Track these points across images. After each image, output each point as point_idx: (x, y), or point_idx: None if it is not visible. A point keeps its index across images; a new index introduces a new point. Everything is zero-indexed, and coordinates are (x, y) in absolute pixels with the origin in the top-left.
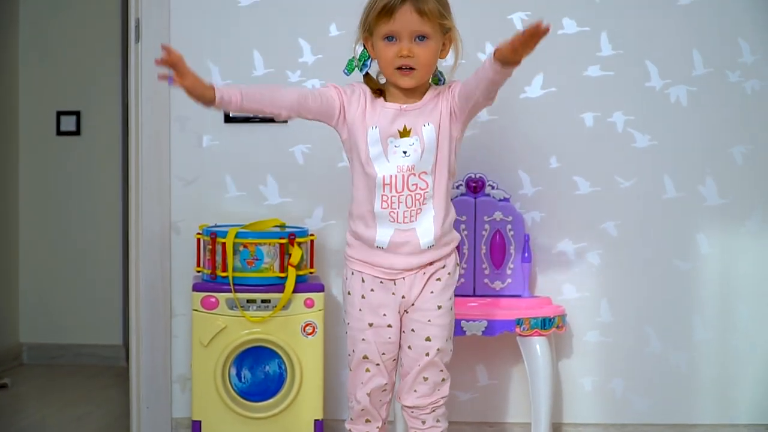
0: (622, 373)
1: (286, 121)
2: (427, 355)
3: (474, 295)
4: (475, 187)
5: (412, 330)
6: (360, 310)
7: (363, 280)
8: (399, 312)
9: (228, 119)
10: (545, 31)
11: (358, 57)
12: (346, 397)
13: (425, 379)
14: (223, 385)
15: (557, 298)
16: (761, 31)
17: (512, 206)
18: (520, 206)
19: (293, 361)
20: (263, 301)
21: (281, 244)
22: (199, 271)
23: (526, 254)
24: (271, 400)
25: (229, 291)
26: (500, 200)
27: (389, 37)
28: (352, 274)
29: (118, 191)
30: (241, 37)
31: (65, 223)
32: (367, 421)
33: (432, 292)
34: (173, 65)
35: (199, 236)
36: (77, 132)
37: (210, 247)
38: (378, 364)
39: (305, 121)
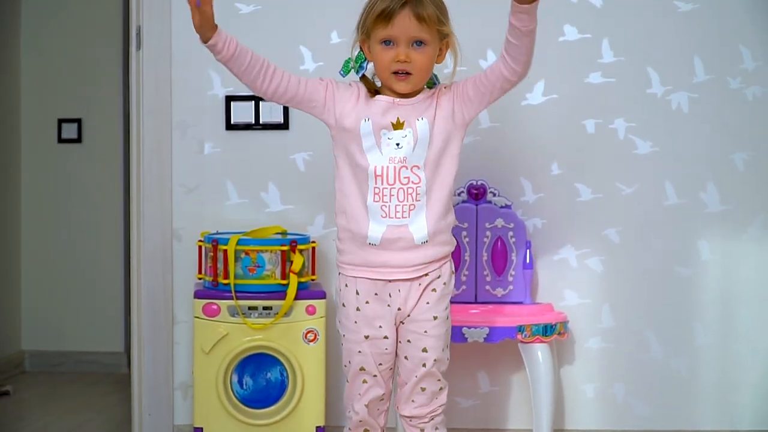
0: (624, 379)
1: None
2: (424, 365)
3: (475, 302)
4: (476, 194)
5: (408, 341)
6: (355, 322)
7: (357, 293)
8: (395, 323)
9: (229, 126)
10: None
11: (354, 59)
12: (344, 406)
13: (423, 389)
14: (225, 392)
15: (559, 305)
16: (762, 38)
17: (514, 213)
18: (521, 213)
19: (295, 368)
20: (265, 308)
21: (283, 251)
22: (200, 278)
23: (528, 261)
24: (272, 407)
25: (231, 298)
26: (502, 207)
27: (386, 42)
28: (346, 285)
29: (120, 198)
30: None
31: (67, 230)
32: (366, 431)
33: (428, 303)
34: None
35: (200, 243)
36: (78, 139)
37: (211, 254)
38: (375, 375)
39: (307, 128)
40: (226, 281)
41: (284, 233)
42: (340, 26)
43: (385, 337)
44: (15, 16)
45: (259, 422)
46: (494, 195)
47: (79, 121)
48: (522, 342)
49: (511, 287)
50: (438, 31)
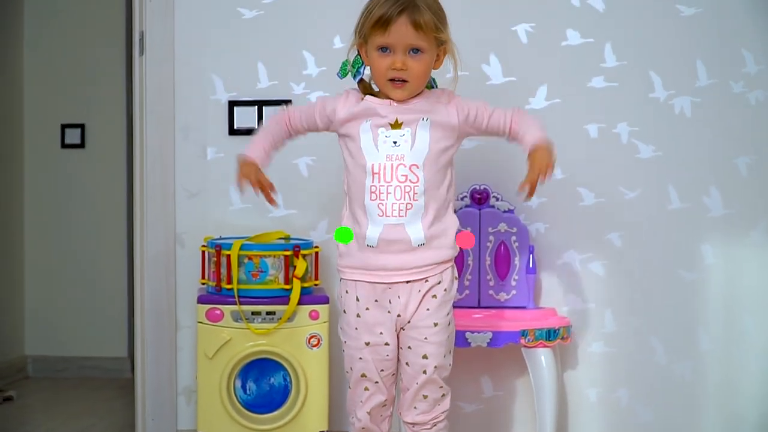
0: (627, 384)
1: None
2: (425, 372)
3: (479, 307)
4: (479, 198)
5: (409, 347)
6: (356, 329)
7: (358, 299)
8: (395, 330)
9: (232, 131)
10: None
11: (352, 63)
12: (347, 411)
13: (425, 396)
14: (228, 398)
15: (562, 309)
16: (765, 41)
17: (517, 218)
18: (524, 218)
19: (298, 373)
20: (268, 313)
21: (286, 256)
22: (203, 284)
23: (531, 265)
24: (276, 412)
25: (234, 303)
26: (505, 212)
27: (383, 48)
28: (347, 292)
29: (123, 204)
30: (245, 49)
31: (70, 235)
32: None
33: (428, 310)
34: (263, 188)
35: (203, 248)
36: (82, 145)
37: (215, 259)
38: (377, 382)
39: (310, 133)
40: (229, 286)
41: (287, 238)
42: (342, 31)
43: (386, 344)
44: (17, 22)
45: (262, 427)
46: (497, 199)
47: (82, 126)
48: (525, 347)
49: (514, 292)
50: (435, 37)
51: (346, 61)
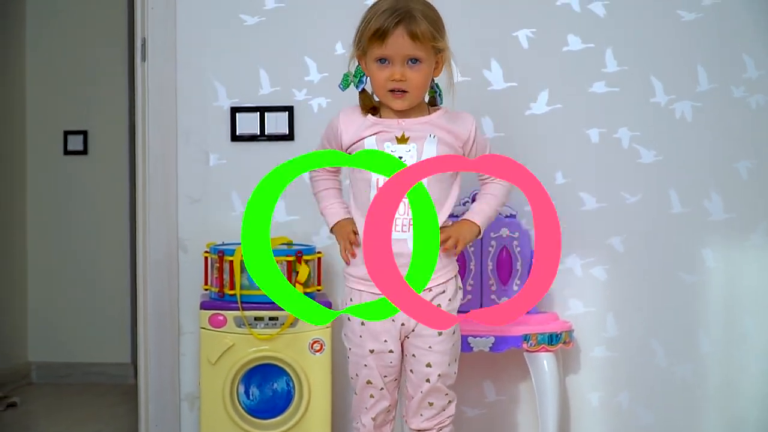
0: (629, 387)
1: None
2: (428, 381)
3: None
4: None
5: (414, 355)
6: (361, 336)
7: None
8: (400, 338)
9: (235, 138)
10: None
11: (353, 73)
12: (351, 417)
13: (430, 404)
14: (231, 403)
15: (564, 314)
16: (765, 47)
17: (518, 222)
18: (526, 222)
19: (301, 379)
20: (271, 318)
21: (289, 262)
22: (206, 289)
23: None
24: (279, 418)
25: (237, 309)
26: (506, 216)
27: (381, 60)
28: (351, 300)
29: (126, 210)
30: (247, 55)
31: (73, 241)
32: None
33: None
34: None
35: (206, 254)
36: (84, 151)
37: (217, 265)
38: (382, 389)
39: (312, 139)
40: (232, 292)
41: (290, 244)
42: (343, 37)
43: (390, 351)
44: (20, 29)
45: None
46: None
47: (84, 133)
48: (528, 351)
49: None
50: (433, 46)
51: (348, 73)
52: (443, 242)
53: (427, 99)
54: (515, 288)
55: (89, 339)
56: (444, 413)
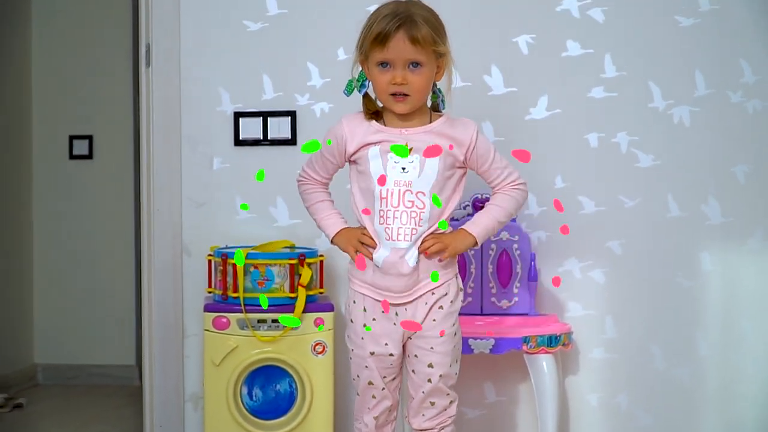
0: (627, 389)
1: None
2: (430, 381)
3: (481, 314)
4: (481, 207)
5: (416, 356)
6: (362, 338)
7: (365, 309)
8: (402, 340)
9: (238, 142)
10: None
11: (356, 78)
12: (353, 417)
13: (432, 403)
14: (235, 404)
15: (563, 316)
16: (763, 52)
17: (518, 226)
18: (526, 226)
19: (304, 380)
20: (273, 320)
21: (291, 265)
22: (210, 292)
23: (532, 273)
24: (282, 418)
25: (240, 311)
26: None
27: (383, 64)
28: (354, 302)
29: (131, 214)
30: (250, 61)
31: (78, 245)
32: None
33: (434, 320)
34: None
35: (210, 258)
36: (89, 156)
37: (221, 268)
38: (383, 389)
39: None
40: (235, 295)
41: (293, 247)
42: (345, 43)
43: (390, 355)
44: (26, 36)
45: None
46: None
47: (90, 137)
48: (527, 353)
49: (516, 299)
50: (434, 51)
51: (352, 79)
52: (428, 247)
53: (429, 104)
54: (515, 290)
55: (95, 341)
56: (445, 413)
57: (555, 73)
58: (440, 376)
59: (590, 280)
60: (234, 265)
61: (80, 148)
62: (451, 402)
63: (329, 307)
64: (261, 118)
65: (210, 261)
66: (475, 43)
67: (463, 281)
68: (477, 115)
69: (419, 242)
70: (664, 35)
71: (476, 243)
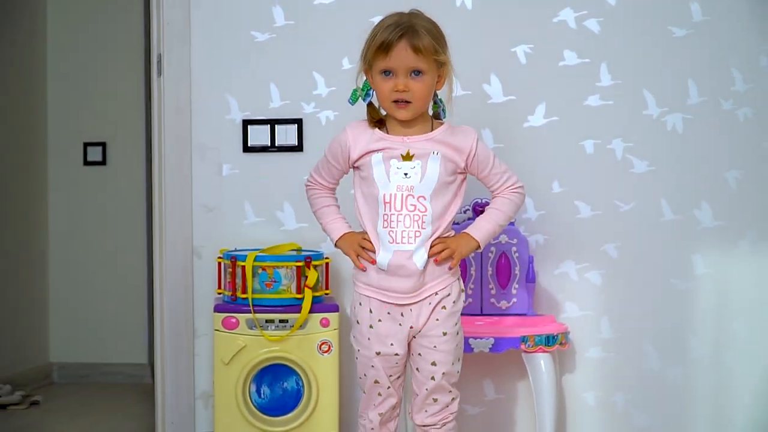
0: (623, 388)
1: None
2: (433, 378)
3: (481, 314)
4: (481, 211)
5: (420, 354)
6: (368, 339)
7: (371, 311)
8: (407, 340)
9: (246, 149)
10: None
11: (361, 87)
12: (358, 412)
13: (435, 400)
14: (244, 401)
15: (560, 317)
16: (753, 61)
17: (517, 229)
18: (524, 229)
19: (310, 378)
20: (281, 321)
21: (298, 267)
22: (220, 293)
23: (531, 275)
24: (289, 415)
25: (249, 312)
26: None
27: (386, 72)
28: (360, 304)
29: (143, 218)
30: (258, 70)
31: (92, 248)
32: None
33: (437, 320)
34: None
35: (219, 260)
36: (103, 162)
37: (230, 270)
38: (388, 387)
39: (320, 150)
40: (244, 296)
41: (299, 250)
42: (350, 53)
43: (396, 354)
44: (41, 44)
45: (276, 429)
46: None
47: (103, 144)
48: (525, 352)
49: (514, 300)
50: (435, 60)
51: (356, 88)
52: (438, 253)
53: (431, 112)
54: (514, 292)
55: (108, 341)
56: (447, 409)
57: (552, 82)
58: (443, 373)
59: (587, 281)
60: (243, 268)
61: (94, 154)
62: (453, 399)
63: (334, 308)
64: (269, 125)
65: (220, 263)
66: (475, 53)
67: (463, 283)
68: (477, 123)
69: (427, 244)
70: (658, 45)
71: (479, 247)
